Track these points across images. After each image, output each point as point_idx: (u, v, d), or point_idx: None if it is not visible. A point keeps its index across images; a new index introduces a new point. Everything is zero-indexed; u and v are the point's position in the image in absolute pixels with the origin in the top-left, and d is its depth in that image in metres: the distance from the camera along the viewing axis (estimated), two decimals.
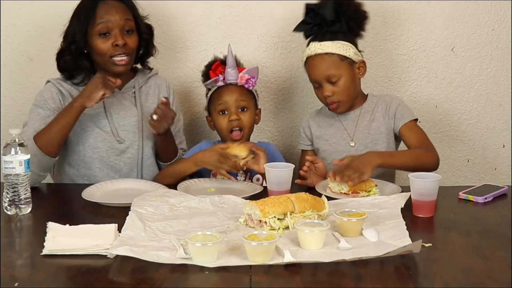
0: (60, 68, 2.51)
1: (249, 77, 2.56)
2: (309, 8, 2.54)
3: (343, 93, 2.50)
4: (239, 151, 2.37)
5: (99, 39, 2.42)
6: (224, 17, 2.90)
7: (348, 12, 2.51)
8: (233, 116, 2.52)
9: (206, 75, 2.63)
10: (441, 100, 3.00)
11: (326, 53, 2.48)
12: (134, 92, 2.57)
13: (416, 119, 2.54)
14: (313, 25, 2.53)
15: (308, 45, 2.54)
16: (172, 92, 2.68)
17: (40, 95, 2.49)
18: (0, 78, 2.90)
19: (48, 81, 2.53)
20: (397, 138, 2.57)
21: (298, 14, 2.88)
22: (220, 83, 2.55)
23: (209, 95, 2.60)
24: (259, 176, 2.52)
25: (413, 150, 2.46)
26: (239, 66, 2.62)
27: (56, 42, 2.86)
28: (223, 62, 2.59)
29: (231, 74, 2.54)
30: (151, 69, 2.65)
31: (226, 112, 2.54)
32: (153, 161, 2.56)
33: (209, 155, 2.39)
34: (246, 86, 2.56)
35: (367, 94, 2.63)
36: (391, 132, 2.55)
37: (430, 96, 2.99)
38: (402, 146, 2.60)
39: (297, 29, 2.59)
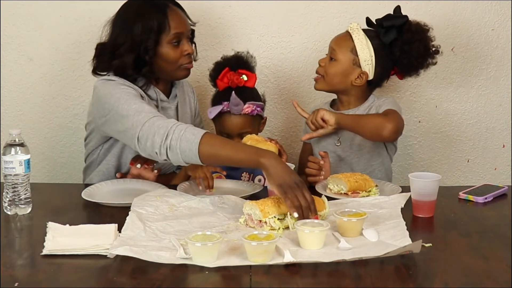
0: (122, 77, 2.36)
1: (254, 107, 2.52)
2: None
3: (328, 72, 2.52)
4: (270, 147, 2.28)
5: (171, 48, 2.37)
6: (224, 17, 2.90)
7: (410, 54, 2.49)
8: (236, 139, 2.49)
9: (213, 81, 2.59)
10: (441, 100, 3.00)
11: (351, 36, 2.49)
12: (177, 103, 2.53)
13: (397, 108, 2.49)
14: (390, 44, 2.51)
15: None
16: (197, 99, 2.69)
17: (115, 84, 2.30)
18: (0, 78, 2.90)
19: (111, 79, 2.34)
20: (394, 146, 2.58)
21: (298, 14, 2.89)
22: (224, 110, 2.51)
23: (211, 118, 2.56)
24: (260, 177, 2.51)
25: (374, 114, 2.45)
26: (251, 70, 2.56)
27: (56, 42, 2.87)
28: (231, 68, 2.53)
29: (235, 110, 2.49)
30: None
31: (229, 135, 2.52)
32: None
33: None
34: (250, 114, 2.52)
35: (370, 97, 2.60)
36: None
37: (430, 96, 2.99)
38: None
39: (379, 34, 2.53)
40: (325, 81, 2.55)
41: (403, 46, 2.48)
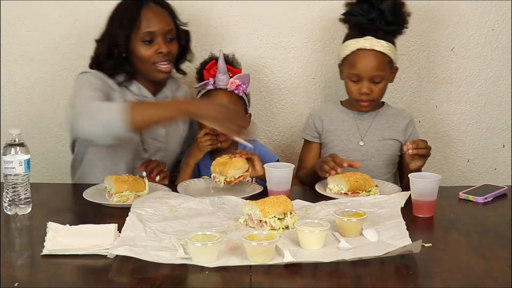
0: (102, 70, 2.43)
1: (240, 83, 2.53)
2: (367, 0, 2.48)
3: (379, 94, 2.50)
4: (238, 165, 2.30)
5: (142, 46, 2.39)
6: (224, 17, 2.90)
7: (403, 15, 2.50)
8: None
9: (200, 74, 2.62)
10: (441, 100, 3.00)
11: (381, 52, 2.46)
12: None
13: None
14: (365, 18, 2.47)
15: (357, 36, 2.48)
16: None
17: (86, 77, 2.37)
18: (0, 78, 2.89)
19: (87, 72, 2.43)
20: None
21: (298, 14, 2.89)
22: (210, 87, 2.54)
23: (198, 96, 2.60)
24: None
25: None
26: (235, 67, 2.60)
27: (56, 42, 2.87)
28: (217, 61, 2.56)
29: (221, 79, 2.52)
30: (185, 73, 2.63)
31: None
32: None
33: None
34: (236, 91, 2.54)
35: (383, 102, 2.63)
36: (399, 145, 2.56)
37: (430, 96, 2.99)
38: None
39: (348, 17, 2.52)
40: (375, 102, 2.54)
41: (400, 10, 2.49)
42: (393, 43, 2.52)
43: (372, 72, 2.46)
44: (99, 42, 2.46)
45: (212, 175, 2.35)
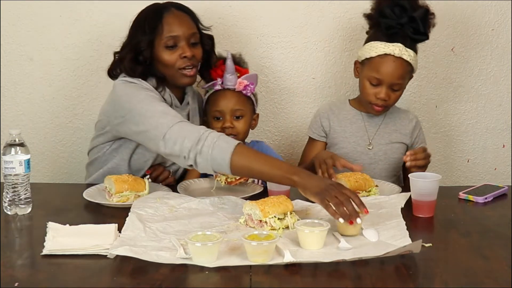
0: (132, 75, 2.37)
1: (248, 83, 2.53)
2: (400, 4, 2.43)
3: (394, 101, 2.49)
4: None
5: (166, 51, 2.36)
6: (224, 17, 2.90)
7: (430, 26, 2.48)
8: (227, 123, 2.50)
9: (207, 74, 2.61)
10: (441, 100, 3.00)
11: (407, 62, 2.43)
12: (189, 111, 2.53)
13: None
14: (397, 22, 2.43)
15: (387, 40, 2.43)
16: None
17: (134, 86, 2.31)
18: (0, 78, 2.89)
19: (128, 80, 2.35)
20: None
21: (298, 14, 2.89)
22: (218, 87, 2.54)
23: (206, 96, 2.60)
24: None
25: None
26: (242, 67, 2.60)
27: (56, 42, 2.87)
28: (225, 61, 2.56)
29: (229, 80, 2.51)
30: (212, 80, 2.57)
31: (220, 118, 2.53)
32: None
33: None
34: (244, 92, 2.54)
35: None
36: (405, 148, 2.56)
37: (430, 96, 2.99)
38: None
39: (379, 14, 2.45)
40: (389, 107, 2.53)
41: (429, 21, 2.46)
42: (416, 52, 2.48)
43: (394, 79, 2.43)
44: (122, 50, 2.41)
45: (214, 174, 2.35)
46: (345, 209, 1.82)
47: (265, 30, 2.91)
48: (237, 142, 2.04)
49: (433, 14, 2.47)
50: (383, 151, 2.55)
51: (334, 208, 1.83)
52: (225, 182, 2.30)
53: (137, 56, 2.37)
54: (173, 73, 2.39)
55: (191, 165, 2.08)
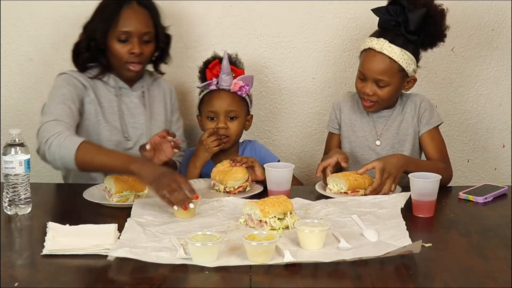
0: (77, 60, 2.51)
1: (243, 84, 2.53)
2: (398, 3, 2.42)
3: (383, 98, 2.44)
4: (238, 177, 2.31)
5: (118, 44, 2.44)
6: (224, 17, 2.90)
7: (432, 28, 2.44)
8: (221, 124, 2.51)
9: (202, 73, 2.61)
10: (441, 100, 3.00)
11: (390, 58, 2.39)
12: (143, 92, 2.58)
13: (440, 123, 2.51)
14: (393, 20, 2.41)
15: (377, 36, 2.42)
16: (175, 97, 2.69)
17: (59, 83, 2.45)
18: (0, 78, 2.89)
19: (63, 73, 2.50)
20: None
21: (298, 14, 2.89)
22: (213, 87, 2.54)
23: (201, 96, 2.60)
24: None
25: (436, 163, 2.42)
26: (238, 67, 2.60)
27: (56, 42, 2.87)
28: (221, 61, 2.56)
29: (224, 80, 2.52)
30: (162, 73, 2.66)
31: (214, 118, 2.53)
32: None
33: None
34: (238, 93, 2.54)
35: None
36: (417, 134, 2.52)
37: (430, 96, 2.98)
38: None
39: (377, 12, 2.45)
40: (380, 104, 2.47)
41: (428, 21, 2.43)
42: (414, 54, 2.44)
43: (376, 74, 2.40)
44: (82, 32, 2.52)
45: (212, 182, 2.36)
46: (177, 195, 1.97)
47: (265, 30, 2.91)
48: (82, 140, 2.18)
49: (436, 19, 2.45)
50: (391, 145, 2.52)
51: (168, 196, 1.97)
52: (223, 191, 2.31)
53: (89, 43, 2.47)
54: (120, 65, 2.48)
55: (45, 160, 2.26)
